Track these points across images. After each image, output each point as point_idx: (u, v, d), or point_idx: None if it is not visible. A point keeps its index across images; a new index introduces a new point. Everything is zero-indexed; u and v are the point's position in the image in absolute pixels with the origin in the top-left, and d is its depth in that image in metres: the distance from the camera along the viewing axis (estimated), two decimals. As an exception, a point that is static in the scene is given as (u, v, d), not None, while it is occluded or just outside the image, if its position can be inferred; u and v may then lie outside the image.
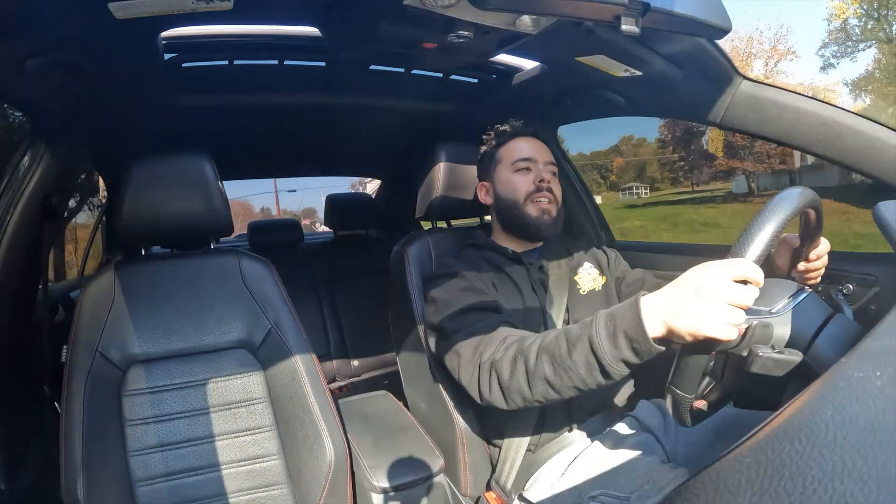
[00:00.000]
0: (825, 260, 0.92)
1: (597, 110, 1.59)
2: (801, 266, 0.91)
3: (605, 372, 0.84)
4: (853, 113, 1.05)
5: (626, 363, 0.82)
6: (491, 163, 1.38)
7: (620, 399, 1.29)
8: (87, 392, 1.12)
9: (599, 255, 1.42)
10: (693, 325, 0.72)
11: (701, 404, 0.83)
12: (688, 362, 0.75)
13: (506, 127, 1.38)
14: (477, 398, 1.06)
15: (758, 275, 0.69)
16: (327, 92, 1.60)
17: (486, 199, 1.41)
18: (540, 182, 1.30)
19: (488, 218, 1.48)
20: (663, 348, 0.78)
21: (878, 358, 0.42)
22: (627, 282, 1.37)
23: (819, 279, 0.93)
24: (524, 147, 1.34)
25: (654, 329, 0.77)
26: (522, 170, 1.32)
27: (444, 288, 1.21)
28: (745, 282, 0.70)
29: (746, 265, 0.69)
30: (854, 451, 0.32)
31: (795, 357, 0.75)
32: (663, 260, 1.57)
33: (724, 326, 0.70)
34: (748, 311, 0.72)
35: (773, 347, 0.76)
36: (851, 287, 1.08)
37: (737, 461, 0.36)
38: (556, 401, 0.95)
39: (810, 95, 1.10)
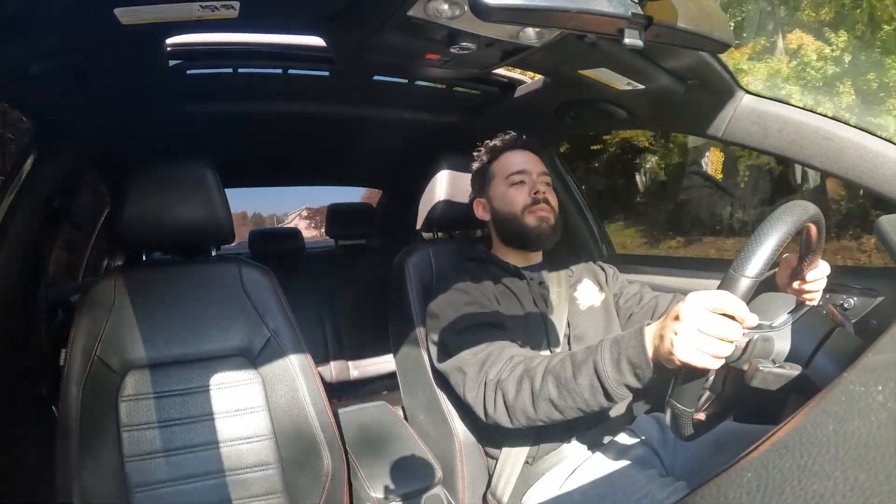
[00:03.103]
0: (823, 282, 0.91)
1: (599, 123, 1.59)
2: (796, 285, 0.91)
3: (608, 395, 0.88)
4: (856, 127, 1.05)
5: (629, 387, 0.86)
6: (485, 179, 1.38)
7: (619, 412, 1.28)
8: (84, 396, 1.11)
9: (598, 271, 1.42)
10: (667, 348, 0.75)
11: (701, 417, 0.82)
12: (687, 379, 0.75)
13: (496, 141, 1.38)
14: (482, 416, 1.07)
15: (738, 309, 0.70)
16: (330, 101, 1.61)
17: (483, 215, 1.40)
18: (535, 194, 1.30)
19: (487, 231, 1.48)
20: (666, 376, 0.80)
21: (880, 372, 0.42)
22: (625, 297, 1.37)
23: (818, 299, 0.93)
24: (517, 160, 1.34)
25: (651, 354, 0.80)
26: (517, 183, 1.32)
27: (447, 302, 1.21)
28: (728, 315, 0.71)
29: (727, 298, 0.70)
30: (856, 465, 0.32)
31: (796, 371, 0.74)
32: (663, 273, 1.57)
33: (698, 354, 0.71)
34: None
35: (773, 362, 0.76)
36: (853, 301, 1.08)
37: (737, 475, 0.35)
38: (560, 421, 0.97)
39: (811, 110, 1.10)
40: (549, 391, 0.94)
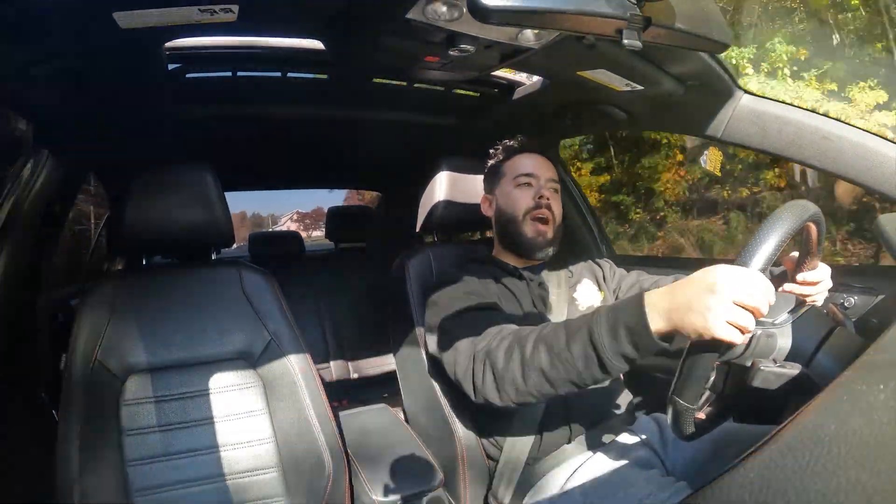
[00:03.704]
0: (827, 283, 0.91)
1: (598, 124, 1.60)
2: (787, 287, 0.90)
3: (602, 365, 0.83)
4: (855, 127, 1.05)
5: (625, 358, 0.81)
6: (495, 176, 1.39)
7: (619, 413, 1.28)
8: (85, 401, 1.11)
9: (596, 269, 1.42)
10: (701, 323, 0.70)
11: (701, 417, 0.82)
12: (691, 371, 0.75)
13: (513, 142, 1.39)
14: (471, 392, 1.04)
15: (770, 290, 0.69)
16: (330, 104, 1.61)
17: (487, 211, 1.41)
18: (539, 198, 1.30)
19: (488, 234, 1.48)
20: (666, 344, 0.77)
21: (881, 371, 0.42)
22: (624, 289, 1.37)
23: (821, 301, 0.92)
24: (527, 163, 1.35)
25: (658, 324, 0.76)
26: (523, 185, 1.33)
27: (447, 293, 1.21)
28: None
29: (762, 279, 0.69)
30: (858, 464, 0.32)
31: (797, 370, 0.74)
32: (663, 273, 1.57)
33: (732, 329, 0.69)
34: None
35: (774, 361, 0.76)
36: (853, 300, 1.08)
37: (740, 476, 0.35)
38: (550, 395, 0.93)
39: (811, 109, 1.10)
40: (540, 360, 0.89)
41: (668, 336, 0.76)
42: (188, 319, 1.23)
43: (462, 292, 1.19)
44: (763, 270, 0.69)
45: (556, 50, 1.01)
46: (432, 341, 1.21)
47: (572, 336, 0.86)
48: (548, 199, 1.31)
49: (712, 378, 0.78)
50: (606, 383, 1.09)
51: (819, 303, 0.90)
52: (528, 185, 1.33)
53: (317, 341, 2.41)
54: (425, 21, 0.85)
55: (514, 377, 0.93)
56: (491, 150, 1.43)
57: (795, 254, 0.90)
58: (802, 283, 0.88)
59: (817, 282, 0.87)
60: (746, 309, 0.69)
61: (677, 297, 0.75)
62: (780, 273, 0.94)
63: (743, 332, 0.69)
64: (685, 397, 0.75)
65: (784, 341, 0.79)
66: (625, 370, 0.84)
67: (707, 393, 0.82)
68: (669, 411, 0.77)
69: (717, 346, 0.71)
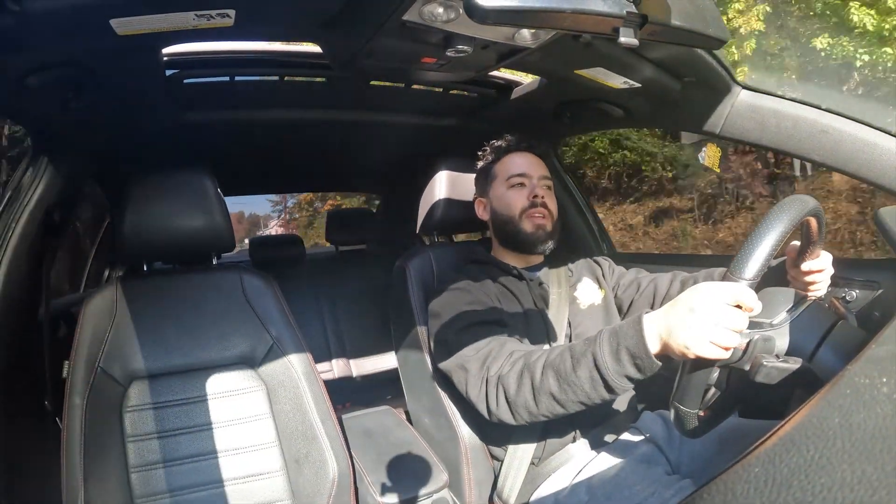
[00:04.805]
0: (829, 272, 0.91)
1: (596, 122, 1.60)
2: (792, 273, 0.91)
3: (608, 387, 0.86)
4: (853, 119, 1.05)
5: (629, 378, 0.85)
6: (487, 179, 1.39)
7: (624, 411, 1.28)
8: (88, 407, 1.11)
9: (595, 267, 1.42)
10: (682, 342, 0.74)
11: (706, 415, 0.82)
12: (690, 378, 0.75)
13: (501, 142, 1.39)
14: (485, 413, 1.06)
15: (751, 300, 0.70)
16: (328, 108, 1.61)
17: (483, 215, 1.41)
18: (534, 198, 1.30)
19: (487, 234, 1.48)
20: (659, 363, 0.80)
21: (884, 364, 0.42)
22: (623, 287, 1.38)
23: (823, 291, 0.92)
24: (518, 162, 1.35)
25: (655, 346, 0.79)
26: (517, 185, 1.33)
27: (449, 302, 1.21)
28: (739, 306, 0.71)
29: (741, 290, 0.70)
30: (863, 458, 0.32)
31: (798, 365, 0.74)
32: (663, 271, 1.57)
33: (712, 347, 0.71)
34: (750, 325, 0.73)
35: (777, 356, 0.76)
36: (854, 293, 1.08)
37: (744, 471, 0.35)
38: (563, 415, 0.96)
39: (809, 103, 1.10)
40: (549, 385, 0.93)
41: (665, 355, 0.80)
42: (190, 325, 1.23)
43: (464, 302, 1.19)
44: (757, 277, 0.69)
45: (552, 49, 1.01)
46: (437, 354, 1.22)
47: (578, 361, 0.89)
48: (542, 197, 1.31)
49: (715, 376, 0.78)
50: None
51: (822, 293, 0.91)
52: (522, 185, 1.33)
53: (319, 343, 2.42)
54: (422, 22, 0.85)
55: (527, 402, 0.97)
56: (479, 153, 1.43)
57: (797, 243, 0.90)
58: (806, 273, 0.88)
59: (820, 270, 0.88)
60: (727, 326, 0.71)
61: (667, 318, 0.78)
62: (781, 264, 0.95)
63: (726, 350, 0.72)
64: (686, 403, 0.76)
65: (781, 342, 0.79)
66: (630, 388, 0.87)
67: (712, 391, 0.82)
68: (672, 414, 0.78)
69: (707, 362, 0.73)
